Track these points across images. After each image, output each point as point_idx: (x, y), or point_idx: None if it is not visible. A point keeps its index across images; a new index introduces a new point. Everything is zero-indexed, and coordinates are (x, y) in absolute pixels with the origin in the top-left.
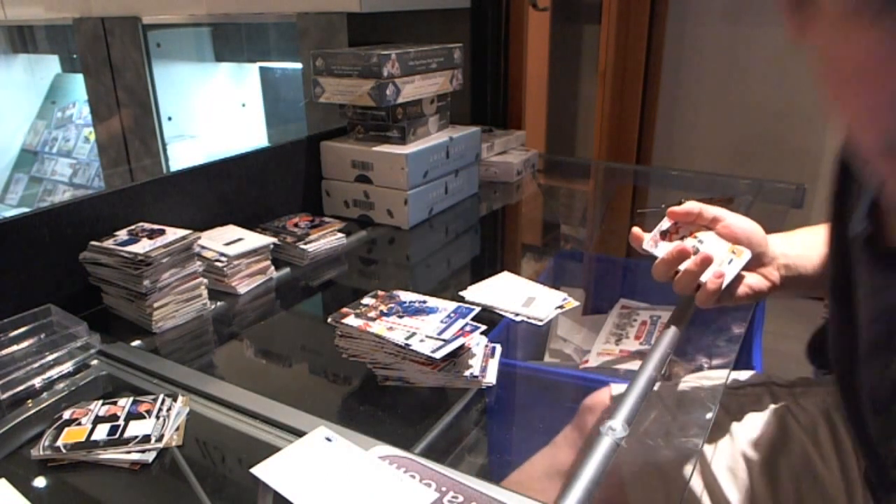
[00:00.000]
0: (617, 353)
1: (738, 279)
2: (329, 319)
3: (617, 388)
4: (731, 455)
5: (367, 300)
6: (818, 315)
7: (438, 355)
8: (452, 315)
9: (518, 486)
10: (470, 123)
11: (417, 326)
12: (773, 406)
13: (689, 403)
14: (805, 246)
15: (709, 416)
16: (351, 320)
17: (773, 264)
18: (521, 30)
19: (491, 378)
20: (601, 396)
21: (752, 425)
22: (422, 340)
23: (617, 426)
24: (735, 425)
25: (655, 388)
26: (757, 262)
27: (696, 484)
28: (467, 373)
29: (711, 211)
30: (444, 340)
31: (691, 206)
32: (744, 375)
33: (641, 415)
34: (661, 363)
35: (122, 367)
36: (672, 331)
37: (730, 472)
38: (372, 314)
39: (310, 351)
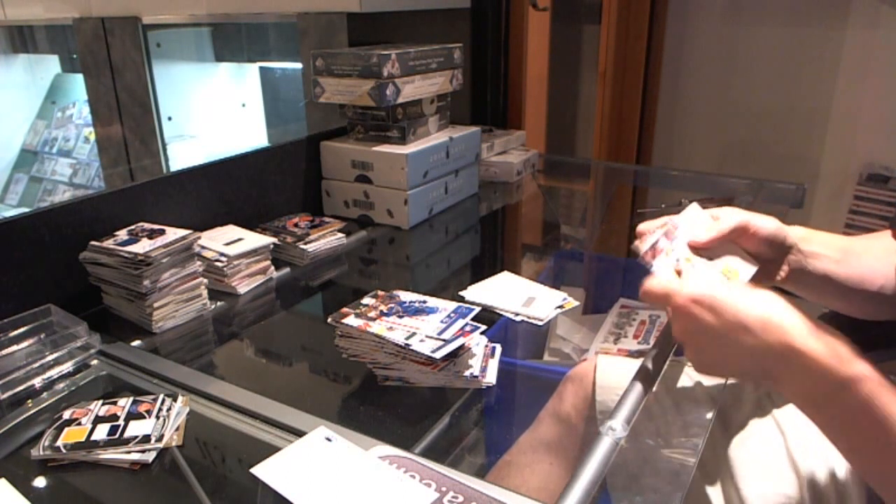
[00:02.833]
0: (615, 351)
1: None
2: (329, 319)
3: (602, 362)
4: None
5: (367, 300)
6: (817, 314)
7: (438, 355)
8: (452, 315)
9: (506, 464)
10: (470, 123)
11: (417, 326)
12: (751, 394)
13: (689, 403)
14: (828, 243)
15: (709, 415)
16: (351, 320)
17: (787, 259)
18: (521, 30)
19: (491, 378)
20: (584, 368)
21: (729, 410)
22: (422, 340)
23: (617, 426)
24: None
25: (655, 388)
26: (777, 259)
27: (697, 483)
28: (467, 373)
29: (732, 221)
30: (444, 340)
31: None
32: None
33: (641, 415)
34: (661, 363)
35: (122, 367)
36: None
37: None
38: (372, 314)
39: (310, 351)
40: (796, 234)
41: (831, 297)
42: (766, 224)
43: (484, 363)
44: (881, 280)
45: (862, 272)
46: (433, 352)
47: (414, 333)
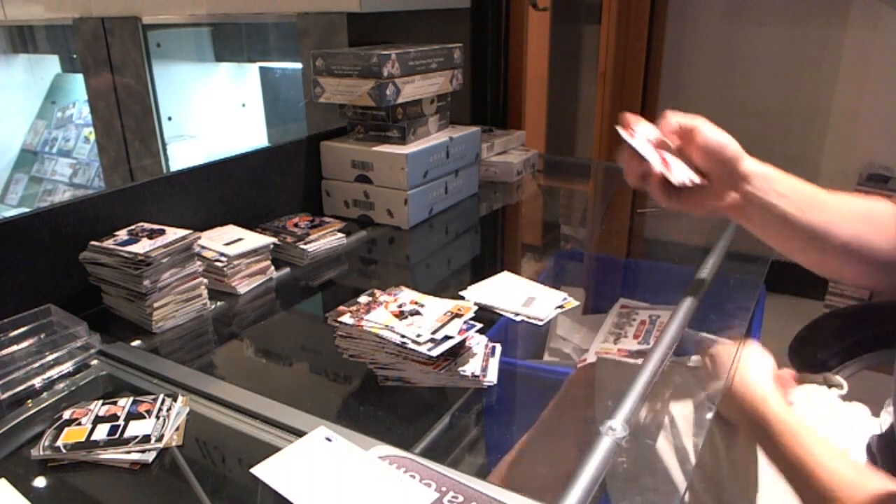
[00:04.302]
0: (615, 352)
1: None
2: (327, 319)
3: (602, 363)
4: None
5: (363, 298)
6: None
7: (434, 353)
8: (449, 314)
9: (506, 465)
10: (470, 123)
11: (415, 325)
12: None
13: (689, 403)
14: (794, 186)
15: (709, 416)
16: (347, 318)
17: (739, 186)
18: (521, 30)
19: (492, 377)
20: (585, 370)
21: (728, 412)
22: (418, 338)
23: (617, 426)
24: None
25: (655, 388)
26: (723, 178)
27: (697, 483)
28: (468, 372)
29: (677, 121)
30: (440, 339)
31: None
32: None
33: (641, 415)
34: (661, 363)
35: (122, 367)
36: (672, 330)
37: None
38: (369, 314)
39: (310, 351)
40: (756, 168)
41: (789, 243)
42: (713, 134)
43: (484, 363)
44: (846, 236)
45: (825, 224)
46: (430, 350)
47: (411, 332)
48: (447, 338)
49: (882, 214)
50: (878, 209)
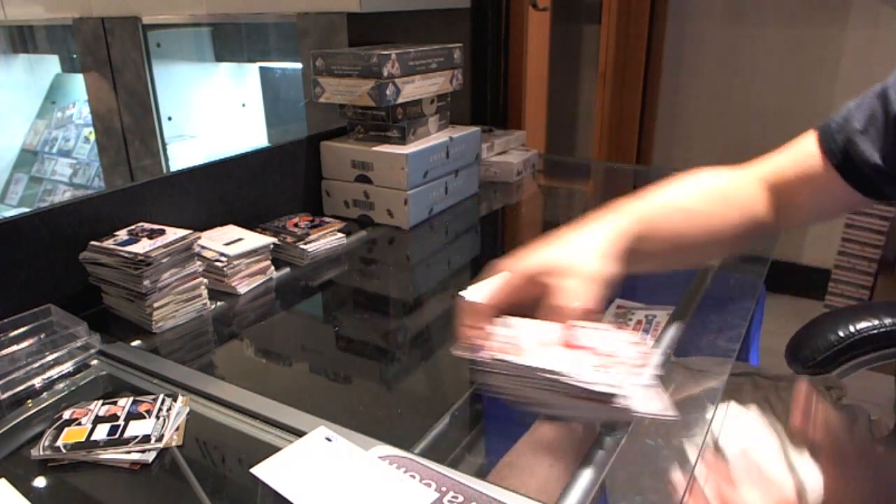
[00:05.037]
0: None
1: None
2: (463, 352)
3: None
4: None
5: (504, 331)
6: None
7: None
8: (627, 343)
9: (506, 465)
10: (470, 123)
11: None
12: (752, 397)
13: (689, 403)
14: (655, 240)
15: (709, 416)
16: (512, 358)
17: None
18: (521, 30)
19: (666, 408)
20: None
21: (729, 415)
22: (624, 384)
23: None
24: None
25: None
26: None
27: (696, 484)
28: (641, 405)
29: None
30: (640, 383)
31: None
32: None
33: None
34: (661, 363)
35: (122, 367)
36: (672, 330)
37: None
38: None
39: (310, 351)
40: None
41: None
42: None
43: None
44: (725, 231)
45: (703, 234)
46: (636, 398)
47: (612, 376)
48: (642, 378)
49: (731, 190)
50: (720, 184)
